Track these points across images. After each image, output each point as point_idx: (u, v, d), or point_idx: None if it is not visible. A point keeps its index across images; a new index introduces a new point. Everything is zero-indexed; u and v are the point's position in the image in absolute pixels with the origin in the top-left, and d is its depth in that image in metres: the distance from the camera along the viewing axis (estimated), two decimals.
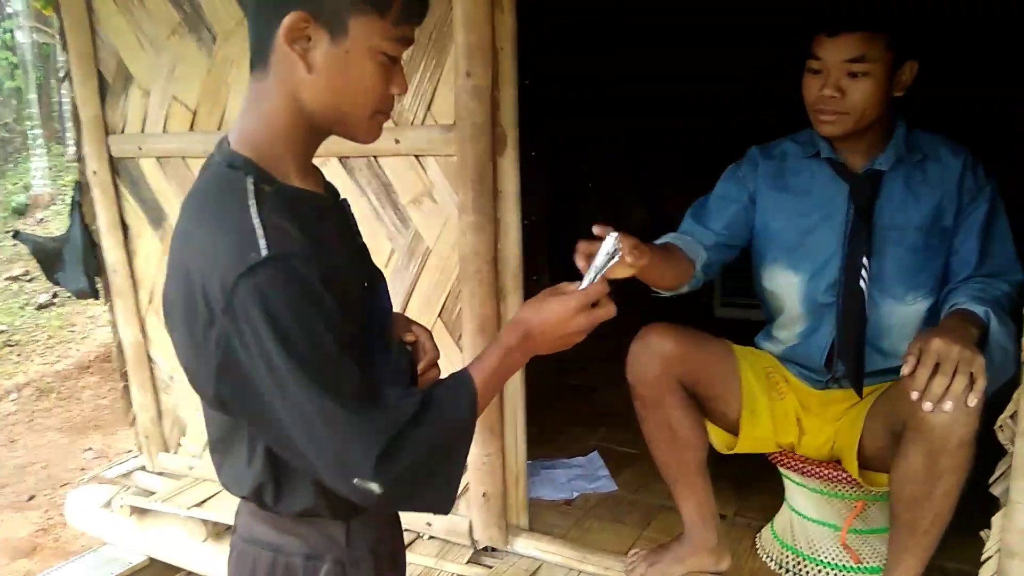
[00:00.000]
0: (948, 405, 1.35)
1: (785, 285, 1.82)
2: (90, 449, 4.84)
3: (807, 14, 1.65)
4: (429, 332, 1.21)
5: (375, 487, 0.89)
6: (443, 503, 0.99)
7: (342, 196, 1.15)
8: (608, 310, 1.05)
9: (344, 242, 1.06)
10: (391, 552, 1.20)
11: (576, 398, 3.34)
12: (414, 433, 0.91)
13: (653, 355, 1.74)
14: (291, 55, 0.92)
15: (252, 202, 0.89)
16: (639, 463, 2.60)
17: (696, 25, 3.90)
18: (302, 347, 0.86)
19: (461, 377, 0.99)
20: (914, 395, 1.36)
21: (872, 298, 1.69)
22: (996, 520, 1.50)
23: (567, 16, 4.47)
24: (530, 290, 4.76)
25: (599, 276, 1.08)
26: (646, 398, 1.78)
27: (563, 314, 1.02)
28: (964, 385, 1.35)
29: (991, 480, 1.50)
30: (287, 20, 0.90)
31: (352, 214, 1.15)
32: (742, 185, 1.84)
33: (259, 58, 0.96)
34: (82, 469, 4.58)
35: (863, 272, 1.66)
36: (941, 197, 1.66)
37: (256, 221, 0.87)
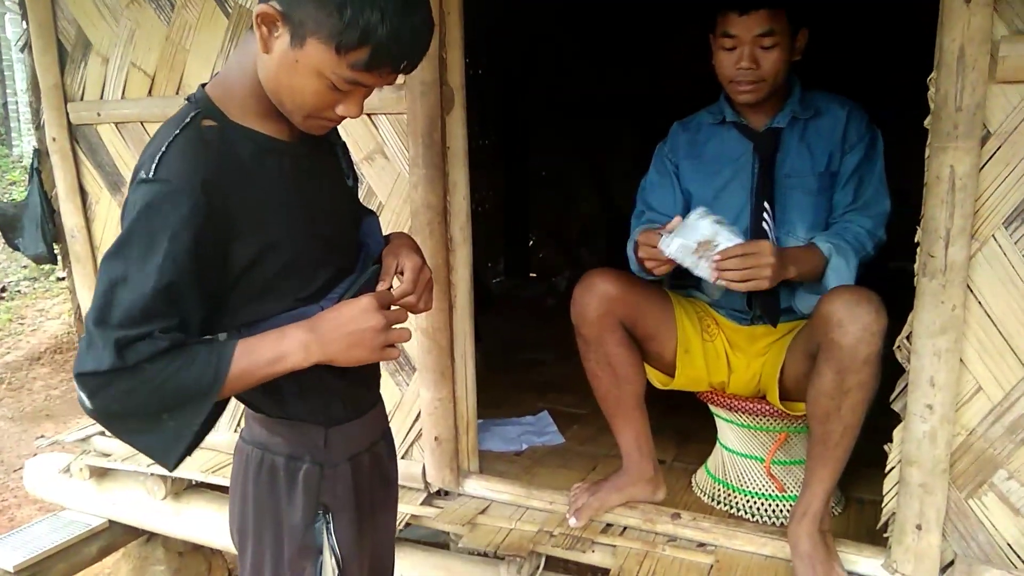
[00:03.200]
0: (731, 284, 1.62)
1: None
2: (43, 436, 4.79)
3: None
4: (418, 266, 1.21)
5: (84, 399, 0.95)
6: (161, 453, 1.01)
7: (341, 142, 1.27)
8: (399, 315, 1.11)
9: (292, 183, 1.10)
10: (374, 466, 1.29)
11: (524, 370, 3.45)
12: (140, 374, 0.94)
13: (595, 296, 1.88)
14: (257, 32, 1.00)
15: (177, 131, 1.00)
16: (586, 421, 2.74)
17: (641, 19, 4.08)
18: (127, 250, 0.95)
19: (224, 347, 1.00)
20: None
21: (779, 240, 1.86)
22: (897, 432, 1.66)
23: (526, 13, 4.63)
24: (487, 277, 4.85)
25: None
26: (588, 336, 1.91)
27: (352, 309, 1.06)
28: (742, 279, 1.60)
29: (892, 397, 1.67)
30: (262, 6, 0.98)
31: (342, 157, 1.25)
32: (668, 160, 2.04)
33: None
34: (34, 455, 4.55)
35: (765, 215, 1.84)
36: (831, 145, 1.86)
37: (163, 147, 0.98)
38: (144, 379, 0.94)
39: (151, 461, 2.47)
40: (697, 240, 1.62)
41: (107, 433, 2.76)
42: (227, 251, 1.01)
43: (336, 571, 1.20)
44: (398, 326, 1.10)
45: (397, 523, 2.07)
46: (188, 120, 1.01)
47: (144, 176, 0.97)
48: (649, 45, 4.36)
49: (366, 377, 1.28)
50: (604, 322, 1.89)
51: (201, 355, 0.98)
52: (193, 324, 1.00)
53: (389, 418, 2.16)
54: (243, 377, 1.01)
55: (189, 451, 1.03)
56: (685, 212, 2.02)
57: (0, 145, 12.78)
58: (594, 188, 5.31)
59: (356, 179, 1.30)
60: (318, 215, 1.14)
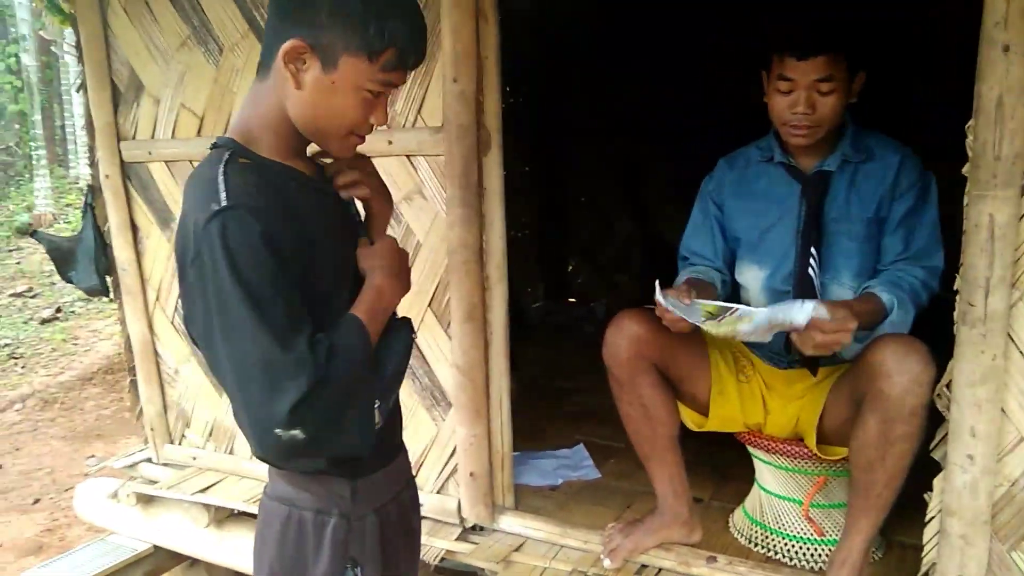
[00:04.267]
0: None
1: (752, 278, 1.97)
2: (93, 456, 4.94)
3: (770, 37, 1.82)
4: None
5: (296, 434, 0.98)
6: (362, 439, 1.09)
7: None
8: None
9: (325, 215, 1.17)
10: (399, 516, 1.30)
11: (561, 398, 3.46)
12: (326, 378, 1.00)
13: (626, 338, 1.88)
14: (286, 71, 1.06)
15: (220, 167, 1.04)
16: (622, 455, 2.72)
17: (683, 45, 4.09)
18: (251, 281, 0.98)
19: (351, 321, 1.09)
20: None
21: (823, 285, 1.84)
22: (937, 482, 1.64)
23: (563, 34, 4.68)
24: (526, 301, 4.85)
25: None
26: (620, 378, 1.92)
27: (395, 247, 1.22)
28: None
29: (932, 445, 1.65)
30: (287, 44, 1.04)
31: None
32: (712, 201, 2.03)
33: (264, 65, 1.11)
34: (85, 475, 4.69)
35: (812, 261, 1.82)
36: (881, 192, 1.82)
37: (220, 179, 1.02)
38: (337, 381, 1.02)
39: (196, 488, 2.56)
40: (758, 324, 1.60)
41: (154, 460, 2.84)
42: (299, 262, 1.06)
43: None
44: None
45: (432, 558, 2.09)
46: (227, 158, 1.06)
47: (216, 208, 0.99)
48: (686, 68, 4.36)
49: (392, 423, 1.29)
50: (636, 364, 1.89)
51: (345, 338, 1.07)
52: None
53: (425, 453, 2.20)
54: (373, 339, 1.11)
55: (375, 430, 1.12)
56: (727, 260, 2.02)
57: (58, 166, 13.26)
58: (630, 212, 5.31)
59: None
60: (345, 245, 1.21)
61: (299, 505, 1.18)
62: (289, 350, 0.98)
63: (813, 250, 1.82)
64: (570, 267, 5.56)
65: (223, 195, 1.00)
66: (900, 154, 1.83)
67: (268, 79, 1.10)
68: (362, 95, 1.09)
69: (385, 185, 1.28)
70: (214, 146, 1.11)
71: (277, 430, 0.97)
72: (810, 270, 1.81)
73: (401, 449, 1.35)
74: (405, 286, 1.21)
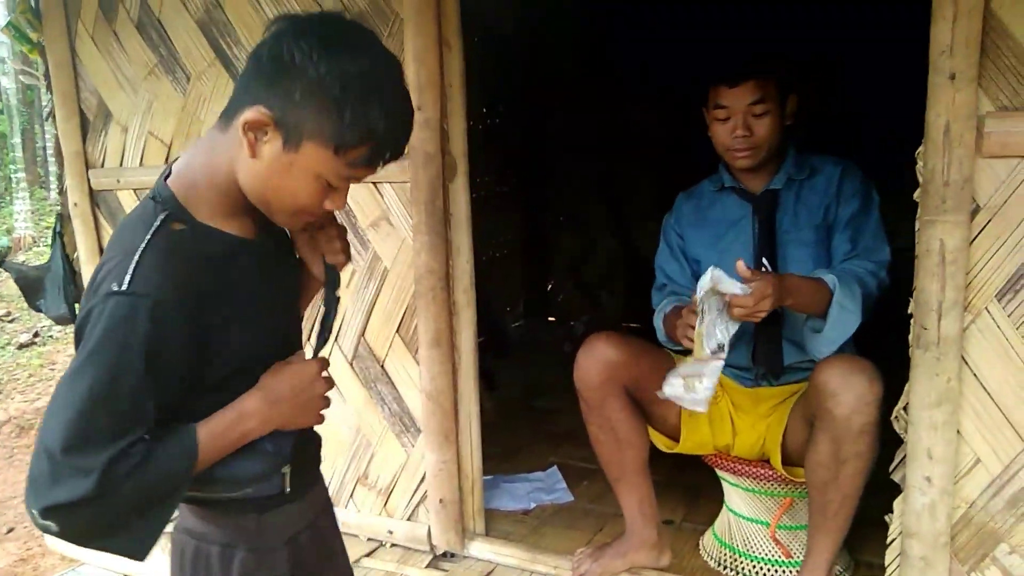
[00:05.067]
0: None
1: None
2: None
3: (703, 72, 1.93)
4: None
5: (52, 527, 0.91)
6: (132, 551, 0.98)
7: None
8: (330, 382, 1.14)
9: (258, 283, 1.09)
10: (316, 542, 1.25)
11: (539, 419, 3.45)
12: (117, 491, 0.91)
13: (597, 361, 1.90)
14: (243, 136, 0.97)
15: (148, 237, 0.97)
16: (596, 477, 2.71)
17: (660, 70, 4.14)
18: (99, 376, 0.91)
19: (186, 434, 0.99)
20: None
21: None
22: (897, 504, 1.65)
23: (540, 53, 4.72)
24: (506, 323, 4.84)
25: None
26: (590, 401, 1.93)
27: (305, 378, 1.09)
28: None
29: (891, 468, 1.66)
30: (250, 112, 0.95)
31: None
32: (674, 232, 2.10)
33: (227, 116, 1.02)
34: None
35: (764, 265, 1.88)
36: (826, 200, 1.91)
37: (136, 257, 0.95)
38: (121, 498, 0.93)
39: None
40: (717, 308, 1.62)
41: None
42: (191, 356, 1.00)
43: None
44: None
45: None
46: (158, 224, 0.98)
47: (116, 288, 0.93)
48: (666, 87, 4.41)
49: (304, 463, 1.20)
50: (607, 387, 1.90)
51: (168, 454, 0.97)
52: (152, 423, 0.98)
53: (395, 480, 2.19)
54: (208, 462, 1.01)
55: (156, 543, 1.01)
56: (694, 279, 2.05)
57: (39, 188, 13.19)
58: (613, 231, 5.34)
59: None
60: (279, 309, 1.16)
61: (207, 539, 1.14)
62: (80, 456, 0.90)
63: (764, 260, 1.89)
64: (550, 285, 5.57)
65: (127, 277, 0.93)
66: (841, 165, 1.93)
67: (227, 133, 1.02)
68: (321, 183, 1.00)
69: (348, 249, 1.20)
70: (153, 197, 1.02)
71: (34, 511, 0.91)
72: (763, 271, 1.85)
73: (317, 482, 1.29)
74: (284, 417, 1.08)
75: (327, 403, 1.14)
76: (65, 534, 0.92)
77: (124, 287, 0.93)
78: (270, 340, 1.11)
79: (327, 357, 1.17)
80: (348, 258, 1.20)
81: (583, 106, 4.90)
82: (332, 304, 1.21)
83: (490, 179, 4.84)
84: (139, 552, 0.99)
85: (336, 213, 1.15)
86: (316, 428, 1.26)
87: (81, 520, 0.92)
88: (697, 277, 2.05)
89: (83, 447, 0.90)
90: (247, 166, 1.00)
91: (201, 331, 0.99)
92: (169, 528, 1.08)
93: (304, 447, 1.18)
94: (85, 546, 0.97)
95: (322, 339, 1.20)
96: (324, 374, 1.13)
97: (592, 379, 1.91)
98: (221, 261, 1.04)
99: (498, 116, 4.84)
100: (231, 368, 1.05)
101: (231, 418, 1.03)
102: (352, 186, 1.06)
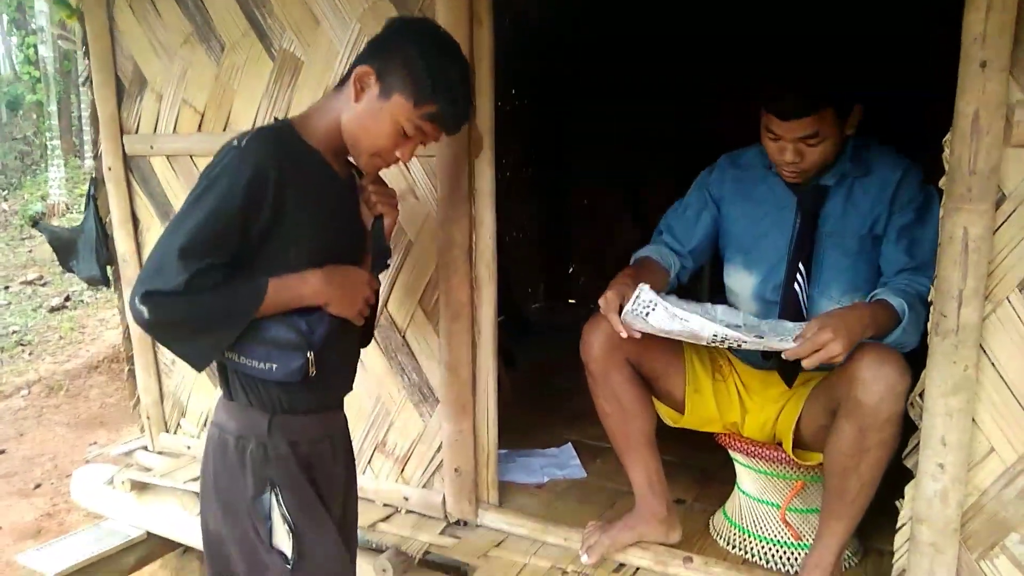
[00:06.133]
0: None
1: (741, 284, 1.99)
2: (95, 443, 5.00)
3: (757, 91, 1.80)
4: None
5: (144, 311, 1.23)
6: (196, 359, 1.34)
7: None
8: (375, 294, 1.59)
9: (331, 206, 1.44)
10: (320, 458, 1.51)
11: (555, 398, 3.48)
12: (199, 298, 1.25)
13: (600, 333, 1.92)
14: (352, 86, 1.40)
15: (265, 128, 1.39)
16: (610, 455, 2.73)
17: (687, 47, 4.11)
18: (213, 200, 1.27)
19: (261, 285, 1.33)
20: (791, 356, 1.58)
21: (811, 298, 1.86)
22: (908, 489, 1.66)
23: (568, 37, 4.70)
24: (526, 304, 4.90)
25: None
26: (596, 374, 1.95)
27: (357, 279, 1.47)
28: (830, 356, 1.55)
29: (904, 453, 1.67)
30: (360, 69, 1.40)
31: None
32: (709, 193, 2.03)
33: (343, 79, 1.45)
34: (86, 462, 4.76)
35: (799, 276, 1.84)
36: (879, 208, 1.81)
37: (254, 132, 1.35)
38: (201, 303, 1.26)
39: (189, 477, 2.60)
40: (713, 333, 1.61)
41: (150, 448, 2.89)
42: (268, 222, 1.32)
43: (291, 537, 1.41)
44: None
45: (416, 551, 2.14)
46: (276, 124, 1.44)
47: (235, 144, 1.31)
48: (688, 79, 4.38)
49: (328, 379, 1.50)
50: (610, 359, 1.92)
51: (243, 289, 1.32)
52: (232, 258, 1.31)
53: (412, 448, 2.26)
54: (269, 308, 1.34)
55: (212, 359, 1.37)
56: (697, 253, 2.04)
57: (73, 156, 13.38)
58: (632, 218, 5.33)
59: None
60: (343, 240, 1.50)
61: (227, 430, 1.45)
62: (186, 258, 1.22)
63: (801, 265, 1.84)
64: (571, 270, 5.58)
65: (244, 140, 1.32)
66: (900, 169, 1.81)
67: (341, 92, 1.44)
68: (398, 128, 1.39)
69: (396, 206, 1.61)
70: (273, 120, 1.53)
71: (136, 297, 1.23)
72: (796, 285, 1.83)
73: (337, 407, 1.60)
74: (331, 297, 1.42)
75: (366, 308, 1.50)
76: (151, 323, 1.25)
77: (241, 144, 1.32)
78: (320, 254, 1.41)
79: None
80: (393, 213, 1.59)
81: (606, 97, 4.89)
82: (380, 249, 1.55)
83: (514, 161, 4.86)
84: (200, 362, 1.35)
85: None
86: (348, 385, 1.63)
87: (166, 312, 1.24)
88: (703, 252, 2.05)
89: (191, 251, 1.23)
90: (350, 110, 1.41)
91: (278, 211, 1.32)
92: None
93: (331, 360, 1.46)
94: (163, 341, 1.36)
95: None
96: (373, 286, 1.52)
97: (596, 351, 1.93)
98: (311, 174, 1.39)
99: (525, 99, 4.85)
100: (294, 261, 1.37)
101: (295, 279, 1.37)
102: None
